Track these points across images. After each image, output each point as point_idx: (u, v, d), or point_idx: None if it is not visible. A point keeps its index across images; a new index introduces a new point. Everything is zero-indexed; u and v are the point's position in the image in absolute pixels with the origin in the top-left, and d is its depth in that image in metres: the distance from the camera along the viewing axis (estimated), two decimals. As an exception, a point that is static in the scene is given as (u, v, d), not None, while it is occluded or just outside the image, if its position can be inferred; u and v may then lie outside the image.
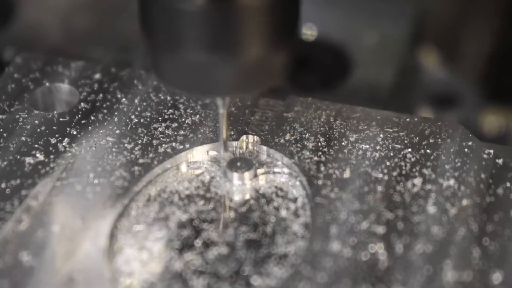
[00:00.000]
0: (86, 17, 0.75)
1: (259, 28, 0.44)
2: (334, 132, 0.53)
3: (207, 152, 0.53)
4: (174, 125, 0.54)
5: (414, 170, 0.50)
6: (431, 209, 0.48)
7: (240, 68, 0.45)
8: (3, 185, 0.49)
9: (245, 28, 0.43)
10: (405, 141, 0.52)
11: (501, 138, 0.84)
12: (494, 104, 0.84)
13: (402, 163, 0.51)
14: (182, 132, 0.53)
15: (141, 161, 0.51)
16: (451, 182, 0.50)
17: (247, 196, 0.50)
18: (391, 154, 0.52)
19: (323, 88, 0.74)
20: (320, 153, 0.52)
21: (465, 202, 0.49)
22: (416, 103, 0.81)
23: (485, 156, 0.51)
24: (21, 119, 0.54)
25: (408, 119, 0.54)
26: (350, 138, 0.53)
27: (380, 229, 0.47)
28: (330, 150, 0.52)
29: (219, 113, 0.50)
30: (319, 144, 0.52)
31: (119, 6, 0.77)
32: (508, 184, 0.49)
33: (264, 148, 0.52)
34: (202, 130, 0.53)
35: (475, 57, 0.84)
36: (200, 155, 0.53)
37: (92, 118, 0.54)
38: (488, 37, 0.82)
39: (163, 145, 0.52)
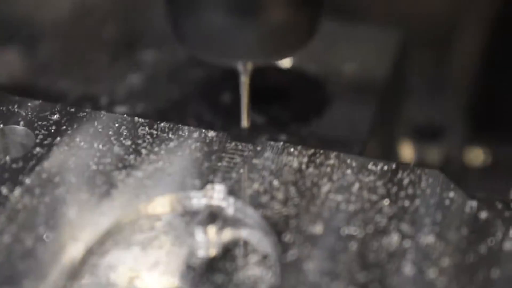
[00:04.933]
0: (49, 47, 0.71)
1: None
2: (306, 181, 0.50)
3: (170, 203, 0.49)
4: (136, 172, 0.50)
5: (391, 225, 0.47)
6: (409, 269, 0.45)
7: (263, 31, 0.44)
8: None
9: None
10: (382, 192, 0.49)
11: (486, 171, 0.82)
12: (479, 136, 0.81)
13: (378, 217, 0.47)
14: (144, 181, 0.50)
15: (98, 212, 0.48)
16: (431, 238, 0.46)
17: (211, 253, 0.47)
18: (367, 206, 0.48)
19: (298, 122, 0.71)
20: (290, 205, 0.48)
21: (445, 262, 0.45)
22: (397, 137, 0.78)
23: (467, 209, 0.48)
24: (-30, 165, 0.50)
25: (386, 167, 0.51)
26: (323, 188, 0.49)
27: (353, 292, 0.44)
28: (302, 202, 0.48)
29: (240, 80, 0.47)
30: (290, 195, 0.49)
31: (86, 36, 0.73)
32: (491, 241, 0.46)
33: (231, 199, 0.49)
34: (165, 178, 0.50)
35: (459, 88, 0.81)
36: (162, 207, 0.49)
37: (47, 164, 0.50)
38: (472, 68, 0.79)
39: (124, 195, 0.49)
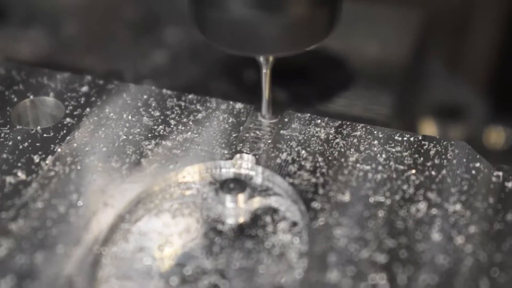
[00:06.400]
0: (74, 24, 0.72)
1: None
2: (334, 152, 0.50)
3: (199, 172, 0.50)
4: (165, 142, 0.51)
5: (418, 193, 0.47)
6: (436, 236, 0.45)
7: (284, 25, 0.44)
8: (-19, 206, 0.46)
9: None
10: (408, 162, 0.49)
11: (508, 152, 0.82)
12: (500, 116, 0.81)
13: (405, 186, 0.48)
14: (173, 150, 0.50)
15: (128, 180, 0.48)
16: (458, 207, 0.47)
17: (241, 220, 0.47)
18: (394, 176, 0.49)
19: (323, 100, 0.71)
20: (318, 174, 0.49)
21: (472, 229, 0.45)
22: (420, 115, 0.78)
23: (493, 179, 0.48)
24: (2, 134, 0.51)
25: (412, 138, 0.51)
26: (350, 158, 0.50)
27: (382, 258, 0.44)
28: (329, 171, 0.49)
29: (262, 72, 0.48)
30: (318, 164, 0.49)
31: (110, 13, 0.74)
32: (518, 210, 0.47)
33: (260, 168, 0.49)
34: (194, 148, 0.50)
35: (482, 67, 0.81)
36: (192, 175, 0.49)
37: (78, 134, 0.51)
38: (494, 45, 0.79)
39: (153, 164, 0.49)
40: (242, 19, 0.45)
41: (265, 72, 0.49)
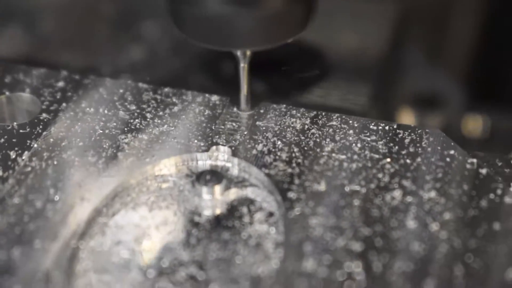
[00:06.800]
0: (51, 20, 0.72)
1: None
2: (309, 142, 0.50)
3: (176, 164, 0.50)
4: (141, 136, 0.51)
5: (393, 182, 0.48)
6: (411, 224, 0.45)
7: (260, 20, 0.45)
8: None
9: None
10: (383, 151, 0.50)
11: (485, 141, 0.82)
12: (478, 105, 0.82)
13: (381, 175, 0.48)
14: (149, 144, 0.50)
15: (105, 174, 0.48)
16: (432, 194, 0.47)
17: (217, 212, 0.48)
18: (369, 164, 0.49)
19: (300, 91, 0.72)
20: (294, 164, 0.49)
21: (447, 216, 0.46)
22: (397, 105, 0.78)
23: (468, 166, 0.49)
24: (-22, 131, 0.51)
25: (387, 127, 0.51)
26: (326, 148, 0.50)
27: (357, 246, 0.44)
28: (305, 161, 0.49)
29: (239, 66, 0.49)
30: (293, 155, 0.50)
31: (87, 8, 0.74)
32: (491, 196, 0.47)
33: (236, 160, 0.50)
34: (170, 141, 0.51)
35: (458, 56, 0.81)
36: (168, 168, 0.50)
37: (54, 129, 0.51)
38: (471, 35, 0.80)
39: (130, 157, 0.49)
40: (219, 14, 0.45)
41: (243, 66, 0.50)
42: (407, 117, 0.78)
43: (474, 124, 0.81)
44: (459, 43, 0.81)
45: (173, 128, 0.51)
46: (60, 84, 0.55)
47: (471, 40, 0.80)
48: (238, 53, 0.49)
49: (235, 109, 0.53)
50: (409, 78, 0.79)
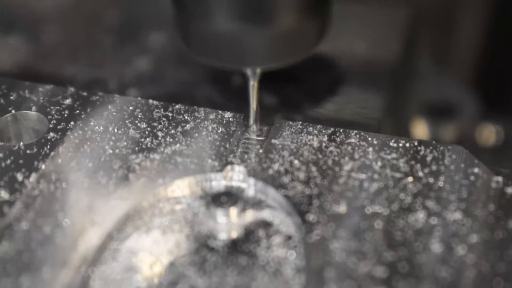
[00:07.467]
0: (56, 33, 0.70)
1: None
2: (327, 161, 0.49)
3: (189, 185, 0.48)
4: (153, 155, 0.49)
5: (416, 202, 0.46)
6: (437, 247, 0.44)
7: (271, 38, 0.44)
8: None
9: None
10: (405, 169, 0.48)
11: (499, 149, 0.81)
12: (491, 114, 0.80)
13: (403, 195, 0.46)
14: (162, 164, 0.49)
15: (116, 197, 0.47)
16: (458, 215, 0.45)
17: (233, 235, 0.46)
18: (390, 184, 0.47)
19: (312, 104, 0.70)
20: (312, 184, 0.47)
21: (474, 238, 0.44)
22: (411, 116, 0.76)
23: (493, 184, 0.47)
24: (-17, 152, 0.49)
25: (407, 144, 0.49)
26: (345, 167, 0.48)
27: (381, 272, 0.43)
28: (324, 181, 0.47)
29: (249, 84, 0.48)
30: (311, 174, 0.48)
31: (93, 21, 0.72)
32: (520, 217, 0.45)
33: (251, 180, 0.48)
34: (183, 160, 0.49)
35: (471, 65, 0.80)
36: (181, 189, 0.48)
37: (62, 149, 0.49)
38: (483, 44, 0.78)
39: (141, 178, 0.48)
40: (229, 32, 0.44)
41: (253, 84, 0.48)
42: (420, 128, 0.77)
43: (488, 133, 0.79)
44: (471, 51, 0.79)
45: (185, 147, 0.50)
46: (68, 101, 0.53)
47: (482, 47, 0.79)
48: (248, 71, 0.47)
49: (247, 128, 0.51)
50: (422, 89, 0.78)
